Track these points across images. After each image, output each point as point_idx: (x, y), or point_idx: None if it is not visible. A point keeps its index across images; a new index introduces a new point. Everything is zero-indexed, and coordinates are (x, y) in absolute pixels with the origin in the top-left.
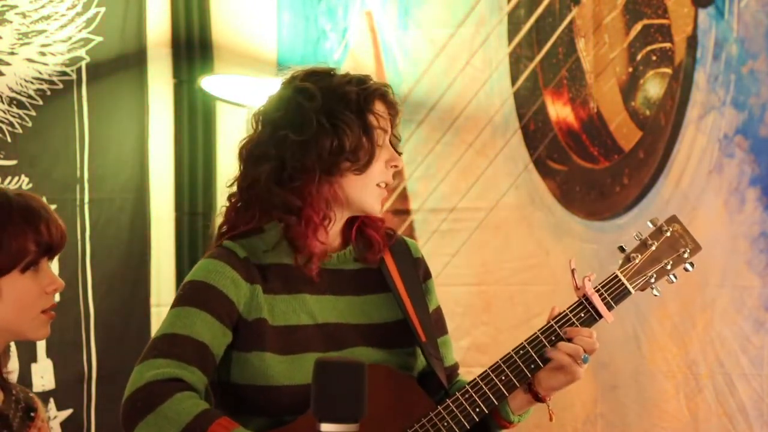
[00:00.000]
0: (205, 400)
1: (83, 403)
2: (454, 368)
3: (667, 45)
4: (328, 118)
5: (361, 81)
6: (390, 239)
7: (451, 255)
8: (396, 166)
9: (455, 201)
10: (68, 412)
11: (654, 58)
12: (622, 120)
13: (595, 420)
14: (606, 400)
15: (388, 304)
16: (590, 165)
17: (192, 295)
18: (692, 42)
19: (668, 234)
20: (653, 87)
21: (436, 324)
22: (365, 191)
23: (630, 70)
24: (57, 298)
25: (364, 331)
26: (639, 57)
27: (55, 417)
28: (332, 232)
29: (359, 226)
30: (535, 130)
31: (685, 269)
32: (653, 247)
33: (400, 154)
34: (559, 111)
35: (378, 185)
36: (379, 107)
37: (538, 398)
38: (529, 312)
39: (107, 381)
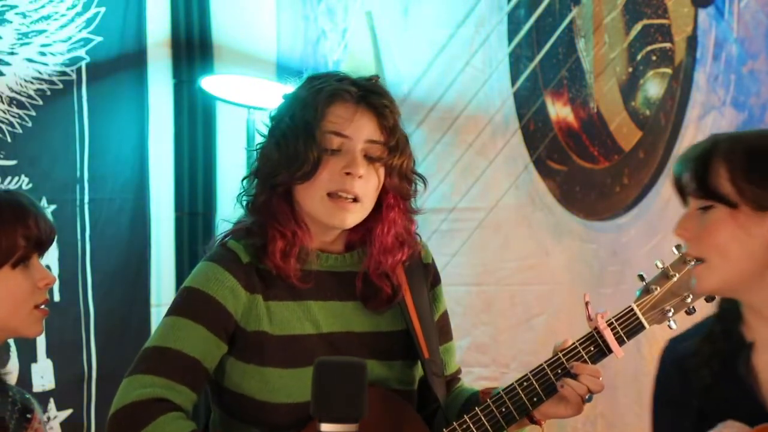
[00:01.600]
0: (195, 414)
1: (83, 403)
2: (456, 374)
3: (667, 45)
4: (275, 125)
5: (323, 82)
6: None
7: (451, 255)
8: (350, 174)
9: (455, 201)
10: (68, 412)
11: (654, 58)
12: (622, 120)
13: (595, 420)
14: (606, 400)
15: (394, 312)
16: (590, 165)
17: (189, 304)
18: (692, 42)
19: (691, 264)
20: (653, 87)
21: (441, 330)
22: (314, 201)
23: (630, 70)
24: (57, 297)
25: (368, 341)
26: (639, 57)
27: (55, 417)
28: (329, 237)
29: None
30: (535, 130)
31: (706, 300)
32: (674, 279)
33: (389, 156)
34: (559, 111)
35: (330, 195)
36: (337, 110)
37: (533, 421)
38: (529, 312)
39: (107, 381)
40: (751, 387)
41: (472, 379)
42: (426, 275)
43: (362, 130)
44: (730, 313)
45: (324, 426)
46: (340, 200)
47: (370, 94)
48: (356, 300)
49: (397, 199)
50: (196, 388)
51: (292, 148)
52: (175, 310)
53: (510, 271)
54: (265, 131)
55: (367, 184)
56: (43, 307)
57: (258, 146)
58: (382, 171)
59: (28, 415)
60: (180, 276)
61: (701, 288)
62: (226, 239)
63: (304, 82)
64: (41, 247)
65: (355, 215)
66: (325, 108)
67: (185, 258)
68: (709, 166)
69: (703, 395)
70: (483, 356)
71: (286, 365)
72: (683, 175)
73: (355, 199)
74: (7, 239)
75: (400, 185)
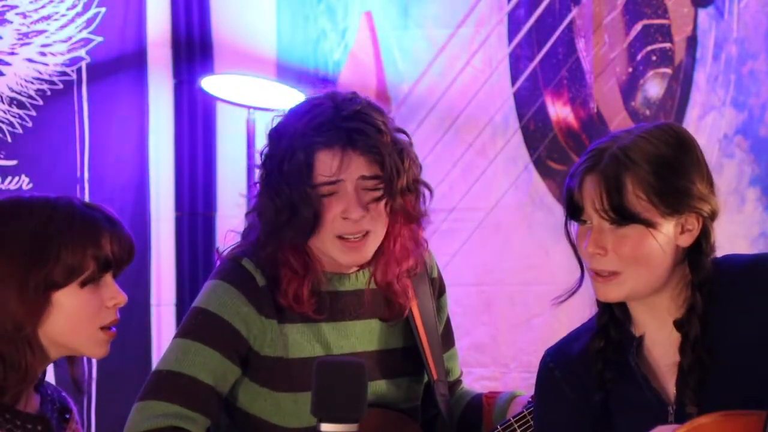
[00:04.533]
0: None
1: (83, 403)
2: (459, 377)
3: (667, 45)
4: (268, 174)
5: (309, 123)
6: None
7: (451, 255)
8: (346, 218)
9: (455, 201)
10: None
11: (654, 58)
12: (622, 120)
13: None
14: None
15: (402, 328)
16: None
17: (203, 328)
18: (692, 42)
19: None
20: (653, 87)
21: (444, 338)
22: (325, 244)
23: (630, 70)
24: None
25: (378, 360)
26: (639, 57)
27: None
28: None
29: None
30: (535, 130)
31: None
32: None
33: (387, 187)
34: (559, 111)
35: (339, 237)
36: (324, 159)
37: None
38: (529, 312)
39: (107, 381)
40: (645, 377)
41: (473, 380)
42: (432, 289)
43: (353, 169)
44: (616, 311)
45: (324, 426)
46: (350, 241)
47: (355, 135)
48: (365, 318)
49: (400, 212)
50: (210, 415)
51: (288, 205)
52: (188, 332)
53: (510, 271)
54: (262, 162)
55: (374, 218)
56: (111, 329)
57: (256, 195)
58: (383, 203)
59: (67, 415)
60: (180, 276)
61: (610, 298)
62: (239, 253)
63: (294, 117)
64: (114, 268)
65: (368, 249)
66: (312, 161)
67: (185, 258)
68: (623, 188)
69: (603, 387)
70: (483, 356)
71: (298, 389)
72: (589, 193)
73: (366, 233)
74: (74, 257)
75: (404, 202)
